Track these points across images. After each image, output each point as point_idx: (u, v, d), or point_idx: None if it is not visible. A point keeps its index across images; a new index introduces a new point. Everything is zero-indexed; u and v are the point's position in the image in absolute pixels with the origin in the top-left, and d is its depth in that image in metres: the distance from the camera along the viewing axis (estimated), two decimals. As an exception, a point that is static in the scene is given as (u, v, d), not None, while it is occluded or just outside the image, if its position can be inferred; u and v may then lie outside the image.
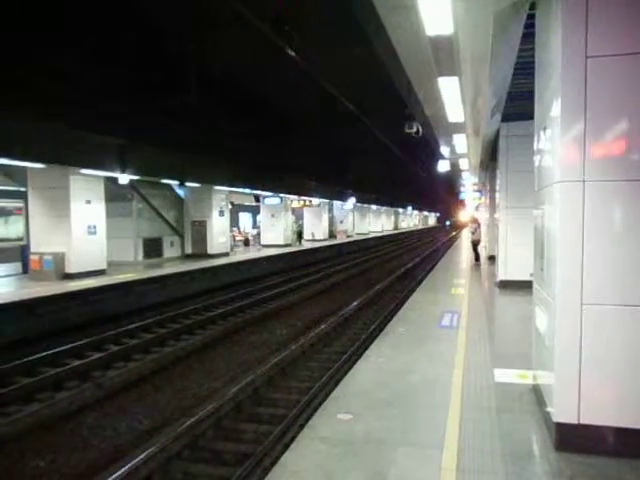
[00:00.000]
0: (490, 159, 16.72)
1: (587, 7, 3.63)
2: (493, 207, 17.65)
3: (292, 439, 4.73)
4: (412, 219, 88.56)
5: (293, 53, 10.45)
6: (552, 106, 4.03)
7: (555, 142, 3.92)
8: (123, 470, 4.75)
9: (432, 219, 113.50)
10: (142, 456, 5.01)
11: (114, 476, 4.67)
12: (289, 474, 3.58)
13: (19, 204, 15.95)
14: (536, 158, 4.99)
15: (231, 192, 24.82)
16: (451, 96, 8.57)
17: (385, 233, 55.94)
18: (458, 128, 12.01)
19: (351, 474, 3.58)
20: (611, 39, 3.61)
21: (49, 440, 5.90)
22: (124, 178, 15.05)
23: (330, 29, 11.58)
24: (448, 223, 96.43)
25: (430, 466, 3.66)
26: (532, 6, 5.01)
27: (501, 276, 12.22)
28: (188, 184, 20.05)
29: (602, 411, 3.74)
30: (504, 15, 4.94)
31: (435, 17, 4.86)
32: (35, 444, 5.79)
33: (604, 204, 3.72)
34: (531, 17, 5.22)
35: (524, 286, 8.79)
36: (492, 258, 17.52)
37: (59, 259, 14.44)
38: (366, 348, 7.27)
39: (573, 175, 3.76)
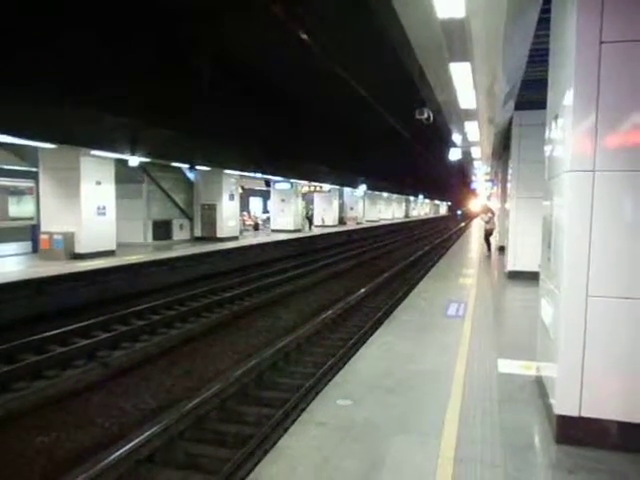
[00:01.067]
0: (503, 148, 16.51)
1: (604, -9, 3.53)
2: (504, 197, 17.47)
3: (293, 422, 4.75)
4: (423, 207, 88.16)
5: (305, 36, 10.33)
6: (565, 94, 3.94)
7: (566, 131, 3.84)
8: (125, 448, 4.80)
9: (443, 208, 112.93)
10: (145, 435, 5.06)
11: (117, 454, 4.72)
12: (285, 458, 3.59)
13: (30, 184, 16.07)
14: (547, 147, 4.90)
15: (242, 176, 24.83)
16: (463, 82, 8.42)
17: (395, 221, 55.81)
18: (470, 115, 11.85)
19: (347, 459, 3.57)
20: (626, 24, 3.50)
21: (54, 417, 5.98)
22: (134, 160, 15.08)
23: (341, 12, 11.40)
24: (459, 213, 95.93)
25: (428, 454, 3.64)
26: (549, -10, 4.88)
27: (510, 266, 12.12)
28: (198, 167, 20.09)
29: (604, 405, 3.70)
30: (518, -1, 4.82)
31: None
32: (40, 421, 5.87)
33: (614, 195, 3.64)
34: (547, 2, 5.10)
35: (533, 277, 8.69)
36: (502, 249, 17.38)
37: (69, 239, 14.58)
38: (371, 335, 7.26)
39: (583, 165, 3.68)
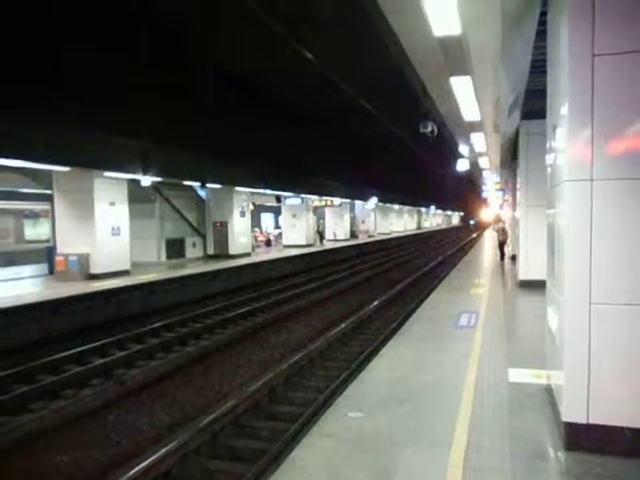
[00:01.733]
0: (511, 157, 16.53)
1: (594, 4, 3.62)
2: (515, 206, 17.45)
3: (305, 435, 4.79)
4: (435, 219, 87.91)
5: (310, 55, 10.54)
6: (561, 105, 4.03)
7: (564, 141, 3.91)
8: (142, 465, 4.88)
9: (455, 218, 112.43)
10: (162, 452, 5.13)
11: (134, 471, 4.80)
12: (297, 470, 3.65)
13: (45, 207, 16.37)
14: (548, 157, 4.97)
15: (252, 193, 25.03)
16: (465, 95, 8.52)
17: (408, 233, 55.67)
18: (475, 127, 11.93)
19: (358, 471, 3.62)
20: (617, 37, 3.59)
21: (73, 436, 6.09)
22: (146, 180, 15.33)
23: (344, 31, 11.60)
24: (472, 222, 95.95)
25: (438, 464, 3.68)
26: (545, 3, 4.98)
27: (522, 276, 12.07)
28: (209, 185, 20.30)
29: (611, 411, 3.72)
30: (515, 13, 4.92)
31: (441, 17, 4.86)
32: (59, 440, 5.97)
33: (612, 203, 3.70)
34: (544, 14, 5.19)
35: (544, 286, 8.70)
36: (514, 258, 17.33)
37: (84, 260, 14.80)
38: (383, 347, 7.30)
39: (581, 174, 3.75)
